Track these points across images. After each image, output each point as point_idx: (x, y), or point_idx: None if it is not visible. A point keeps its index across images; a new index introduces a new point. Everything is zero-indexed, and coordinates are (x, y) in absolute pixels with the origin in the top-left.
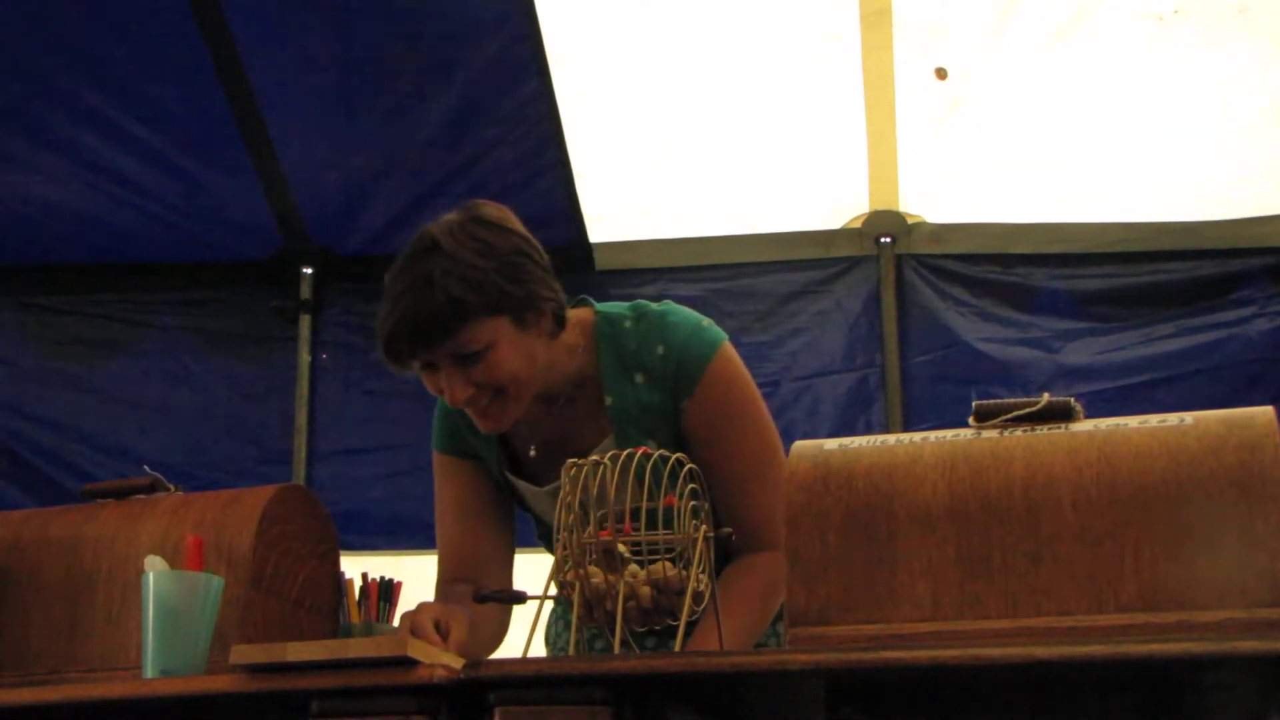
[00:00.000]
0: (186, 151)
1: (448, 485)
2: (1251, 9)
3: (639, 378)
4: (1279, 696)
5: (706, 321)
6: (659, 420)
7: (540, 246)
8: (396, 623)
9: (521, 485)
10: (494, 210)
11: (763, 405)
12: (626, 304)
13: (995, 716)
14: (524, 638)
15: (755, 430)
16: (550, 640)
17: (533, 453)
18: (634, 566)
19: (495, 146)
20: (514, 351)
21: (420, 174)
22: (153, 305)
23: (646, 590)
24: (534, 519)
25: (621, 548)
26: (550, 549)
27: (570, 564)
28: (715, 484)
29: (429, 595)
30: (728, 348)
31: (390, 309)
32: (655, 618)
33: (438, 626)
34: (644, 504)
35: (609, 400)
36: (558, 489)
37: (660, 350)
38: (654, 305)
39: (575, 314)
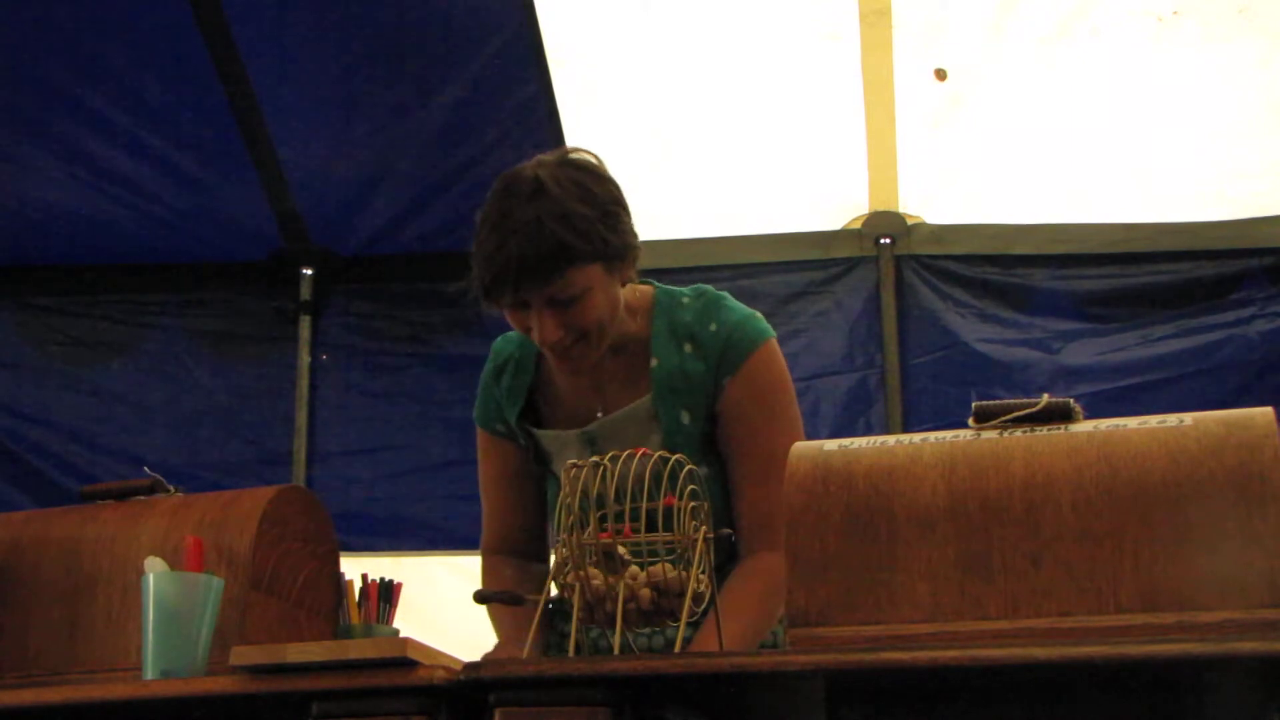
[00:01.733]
0: (187, 152)
1: (487, 460)
2: (1251, 9)
3: (687, 347)
4: (1279, 697)
5: (760, 315)
6: (698, 392)
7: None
8: (396, 623)
9: (549, 434)
10: (590, 156)
11: (797, 407)
12: (688, 286)
13: (995, 717)
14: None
15: (786, 425)
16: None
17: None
18: (634, 568)
19: (495, 147)
20: (604, 297)
21: (420, 175)
22: (153, 306)
23: (646, 592)
24: (552, 482)
25: (621, 549)
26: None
27: (570, 566)
28: (735, 471)
29: (429, 597)
30: (775, 343)
31: (497, 248)
32: (655, 619)
33: None
34: (644, 505)
35: (654, 363)
36: (585, 433)
37: (713, 327)
38: (714, 290)
39: (636, 286)
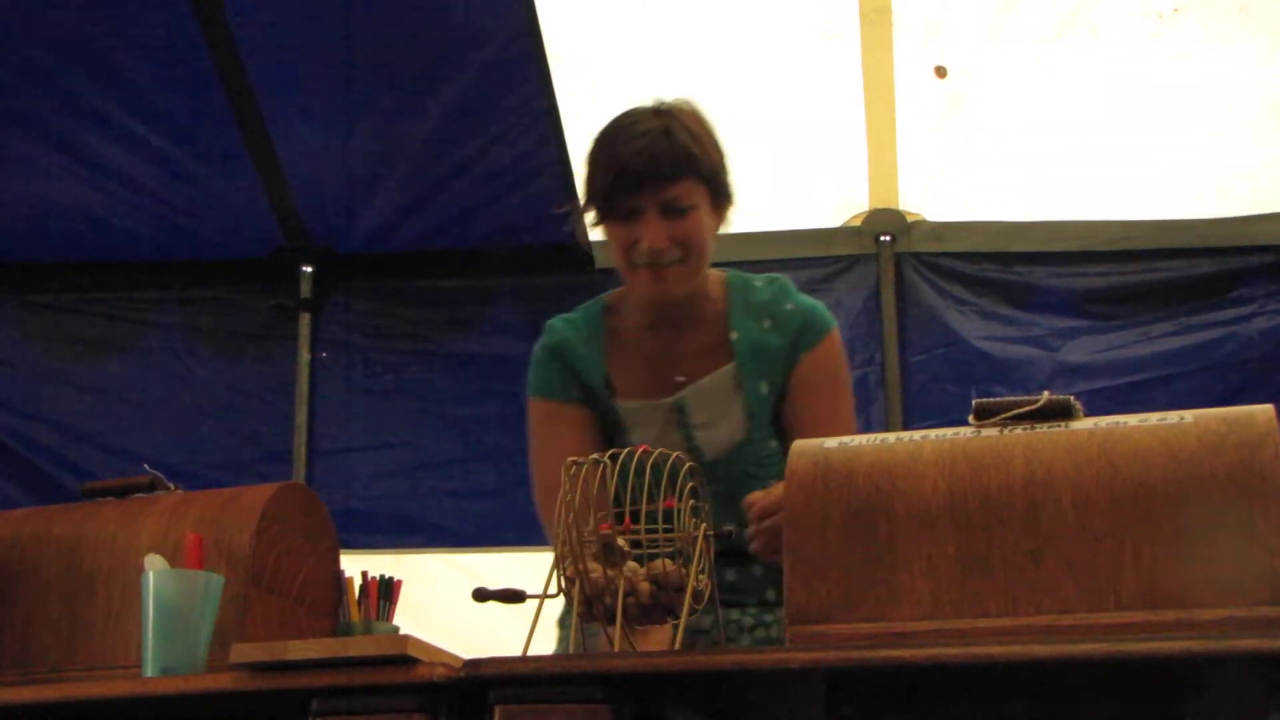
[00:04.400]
0: (187, 150)
1: (549, 428)
2: (1251, 7)
3: (766, 323)
4: (1279, 695)
5: None
6: (777, 362)
7: None
8: (396, 621)
9: (633, 405)
10: (700, 108)
11: (852, 393)
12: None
13: (995, 715)
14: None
15: (847, 403)
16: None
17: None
18: (633, 564)
19: (495, 145)
20: (708, 222)
21: (420, 173)
22: (153, 304)
23: (646, 586)
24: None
25: (621, 542)
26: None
27: (570, 560)
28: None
29: (429, 594)
30: (839, 332)
31: (624, 146)
32: (655, 615)
33: None
34: (644, 503)
35: (734, 335)
36: (676, 401)
37: (789, 306)
38: (785, 278)
39: (708, 270)
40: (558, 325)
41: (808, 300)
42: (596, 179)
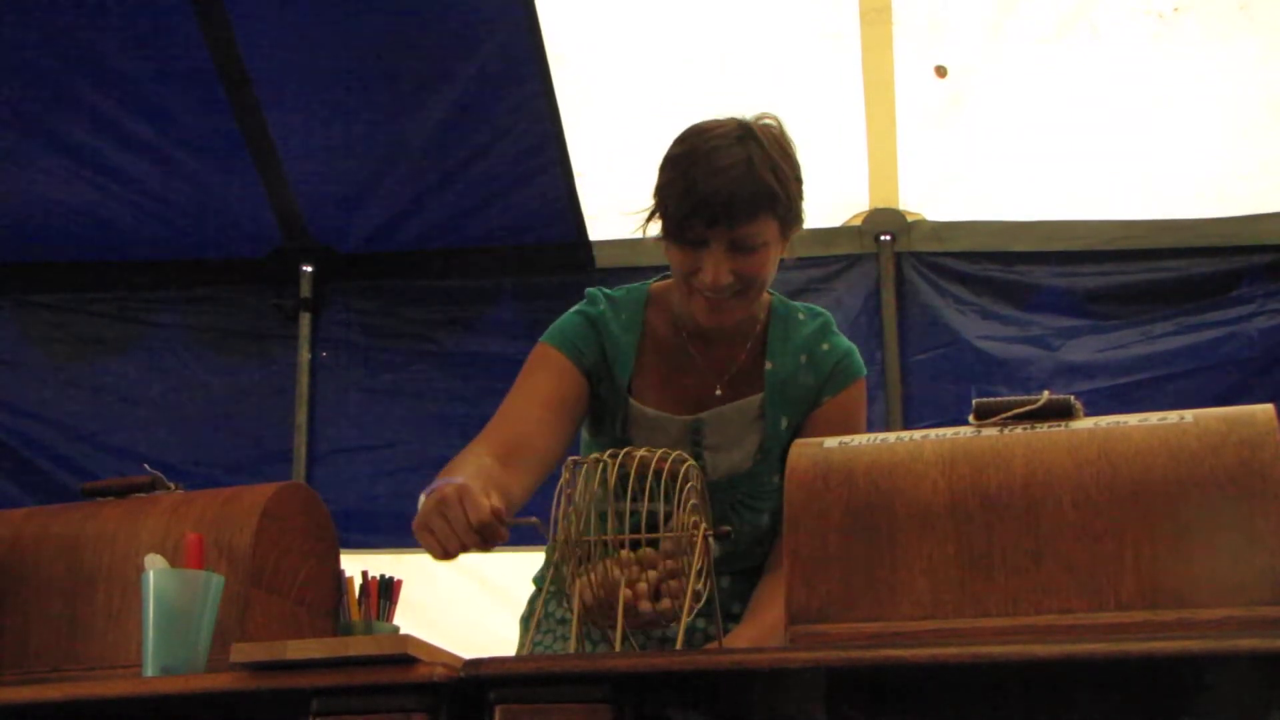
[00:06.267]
0: (187, 150)
1: (541, 374)
2: (1252, 6)
3: (803, 359)
4: (1279, 695)
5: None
6: (802, 400)
7: None
8: (396, 620)
9: (649, 411)
10: (782, 126)
11: None
12: (799, 303)
13: (995, 715)
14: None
15: None
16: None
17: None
18: (634, 566)
19: (495, 144)
20: (774, 256)
21: (421, 172)
22: (153, 303)
23: (644, 586)
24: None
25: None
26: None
27: (570, 561)
28: None
29: (429, 594)
30: (865, 382)
31: (704, 178)
32: (655, 618)
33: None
34: (644, 505)
35: (769, 365)
36: (695, 420)
37: (825, 346)
38: (826, 313)
39: None
40: (602, 298)
41: (845, 343)
42: (669, 201)
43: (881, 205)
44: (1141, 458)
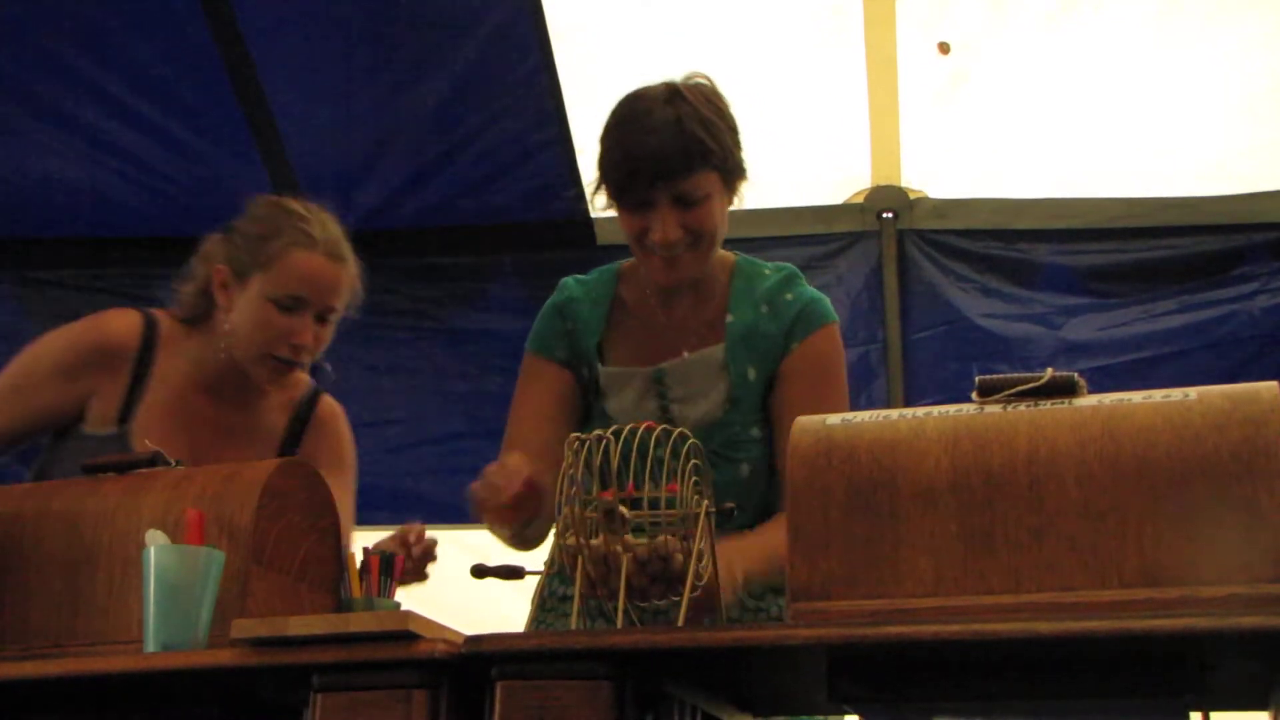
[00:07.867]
0: (187, 125)
1: (532, 386)
2: None
3: (764, 309)
4: None
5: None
6: (766, 349)
7: None
8: (397, 597)
9: (613, 370)
10: (713, 84)
11: (847, 390)
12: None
13: (997, 691)
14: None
15: (836, 395)
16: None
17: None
18: (630, 538)
19: (496, 121)
20: (720, 208)
21: (421, 149)
22: (154, 279)
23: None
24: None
25: (623, 510)
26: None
27: (572, 531)
28: (783, 433)
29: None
30: (838, 328)
31: (637, 140)
32: (657, 589)
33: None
34: (646, 479)
35: (730, 317)
36: (656, 370)
37: (788, 296)
38: (794, 267)
39: (719, 250)
40: (569, 284)
41: (810, 292)
42: (608, 168)
43: (884, 182)
44: (1145, 435)
